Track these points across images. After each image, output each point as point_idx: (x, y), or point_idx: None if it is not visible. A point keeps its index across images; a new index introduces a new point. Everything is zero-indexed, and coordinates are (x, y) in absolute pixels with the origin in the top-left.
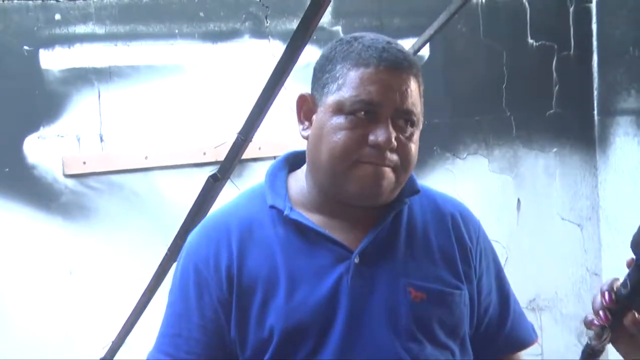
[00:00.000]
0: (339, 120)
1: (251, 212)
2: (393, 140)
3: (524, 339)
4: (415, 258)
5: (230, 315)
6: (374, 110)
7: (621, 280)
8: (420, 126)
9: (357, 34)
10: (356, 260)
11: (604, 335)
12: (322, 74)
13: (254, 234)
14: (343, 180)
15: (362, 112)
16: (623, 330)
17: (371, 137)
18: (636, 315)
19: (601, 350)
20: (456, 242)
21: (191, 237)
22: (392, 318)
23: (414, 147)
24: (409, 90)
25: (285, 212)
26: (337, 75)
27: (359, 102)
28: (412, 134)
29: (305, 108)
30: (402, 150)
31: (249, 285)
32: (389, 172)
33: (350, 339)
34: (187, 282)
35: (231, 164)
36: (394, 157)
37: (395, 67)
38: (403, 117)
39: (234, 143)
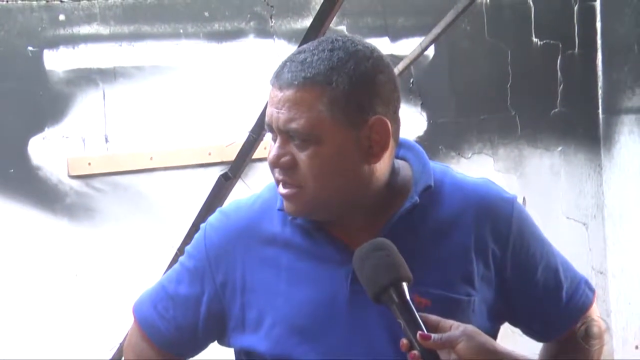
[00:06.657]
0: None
1: (267, 208)
2: (273, 158)
3: (582, 304)
4: (423, 262)
5: (214, 309)
6: (273, 131)
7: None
8: (328, 141)
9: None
10: None
11: None
12: None
13: (262, 232)
14: None
15: (271, 134)
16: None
17: None
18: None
19: None
20: (475, 243)
21: (215, 218)
22: (393, 324)
23: (309, 161)
24: (286, 106)
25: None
26: None
27: (265, 125)
28: (305, 149)
29: None
30: (297, 166)
31: (250, 284)
32: (291, 189)
33: (347, 345)
34: (193, 256)
35: (243, 162)
36: (289, 174)
37: (280, 84)
38: (289, 135)
39: (246, 141)
